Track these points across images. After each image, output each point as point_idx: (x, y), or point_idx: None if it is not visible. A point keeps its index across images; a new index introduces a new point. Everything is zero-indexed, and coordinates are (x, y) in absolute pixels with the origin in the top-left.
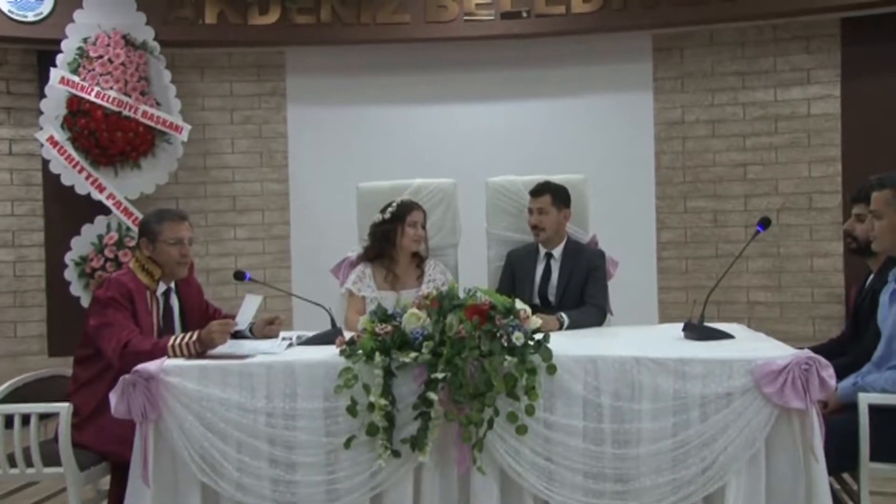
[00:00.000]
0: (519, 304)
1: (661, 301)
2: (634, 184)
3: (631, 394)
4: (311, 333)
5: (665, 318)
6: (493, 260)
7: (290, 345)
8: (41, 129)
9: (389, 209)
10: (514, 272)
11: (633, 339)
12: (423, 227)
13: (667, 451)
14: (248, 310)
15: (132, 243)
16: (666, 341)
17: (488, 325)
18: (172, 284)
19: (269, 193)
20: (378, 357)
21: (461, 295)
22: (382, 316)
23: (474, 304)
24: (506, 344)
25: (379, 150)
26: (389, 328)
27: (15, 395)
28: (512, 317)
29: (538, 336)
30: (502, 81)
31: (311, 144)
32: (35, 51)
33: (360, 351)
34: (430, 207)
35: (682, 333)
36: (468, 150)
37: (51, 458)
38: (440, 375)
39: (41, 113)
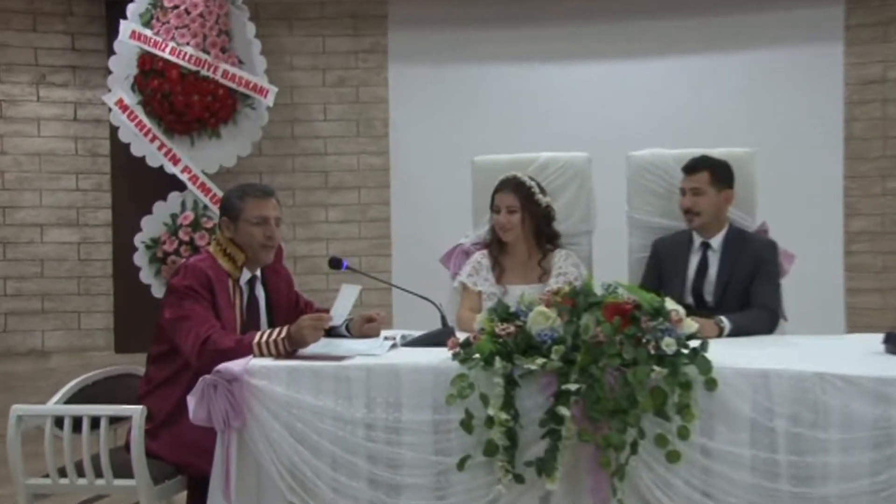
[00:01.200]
0: (670, 304)
1: (849, 306)
2: (816, 159)
3: (814, 419)
4: (417, 333)
5: (854, 326)
6: (635, 250)
7: (394, 345)
8: (109, 91)
9: None
10: (662, 265)
11: (814, 351)
12: (522, 211)
13: (863, 492)
14: (344, 303)
15: (210, 224)
16: (859, 355)
17: (632, 329)
18: (258, 272)
19: (367, 168)
20: (498, 363)
21: (598, 291)
22: (504, 314)
23: (615, 302)
24: (653, 351)
25: (497, 118)
26: (512, 329)
27: (82, 396)
28: (661, 319)
29: (694, 343)
30: (646, 33)
31: (417, 110)
32: (104, 0)
33: (477, 355)
34: (558, 187)
35: (881, 346)
36: (605, 117)
37: (122, 468)
38: (573, 387)
39: (109, 72)
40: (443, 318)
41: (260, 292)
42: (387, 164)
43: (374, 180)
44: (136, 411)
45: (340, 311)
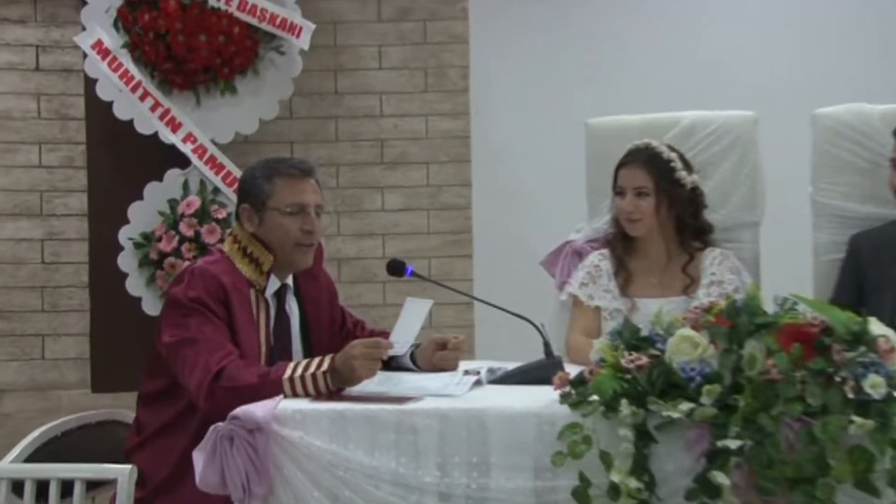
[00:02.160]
0: (876, 327)
1: None
2: None
3: None
4: (511, 365)
5: None
6: (823, 249)
7: (478, 383)
8: (84, 29)
9: None
10: (864, 271)
11: None
12: (658, 194)
13: None
14: (408, 324)
15: (223, 214)
16: None
17: (819, 362)
18: (290, 280)
19: (440, 135)
20: (626, 408)
21: (769, 308)
22: (632, 339)
23: (793, 323)
24: (852, 395)
25: (620, 64)
26: (645, 360)
27: (48, 451)
28: (863, 348)
29: None
30: None
31: (509, 54)
32: None
33: (596, 396)
34: (711, 160)
35: None
36: (776, 61)
37: None
38: (734, 444)
39: (84, 3)
40: (546, 345)
41: (292, 308)
42: (466, 129)
43: (450, 152)
44: (122, 473)
45: (404, 334)
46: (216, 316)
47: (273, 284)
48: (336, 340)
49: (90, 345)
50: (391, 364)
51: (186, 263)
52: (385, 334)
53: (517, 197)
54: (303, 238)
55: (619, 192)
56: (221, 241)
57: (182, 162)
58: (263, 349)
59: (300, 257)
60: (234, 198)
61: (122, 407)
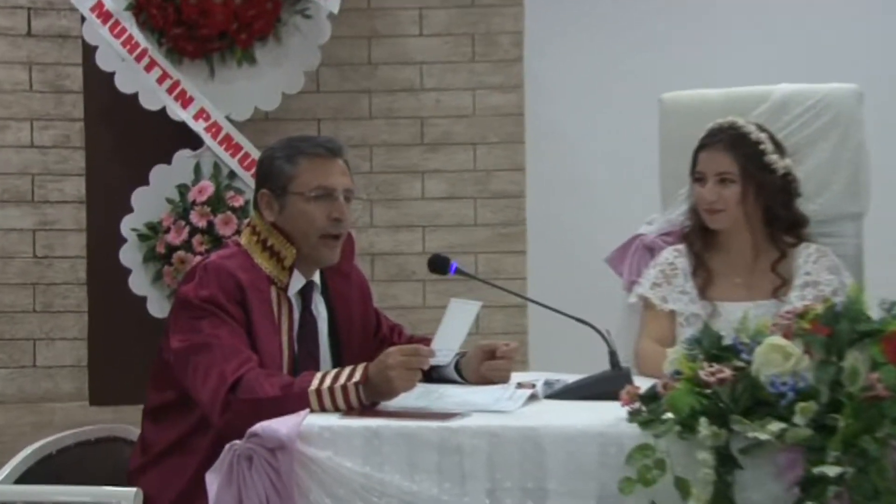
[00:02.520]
0: None
1: None
2: None
3: None
4: (571, 377)
5: None
6: None
7: (533, 397)
8: None
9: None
10: None
11: None
12: (744, 180)
13: None
14: (453, 329)
15: (240, 202)
16: None
17: None
18: (316, 277)
19: (489, 112)
20: (705, 428)
21: (874, 313)
22: (713, 348)
23: None
24: None
25: (699, 31)
26: (728, 373)
27: (42, 471)
28: None
29: None
30: None
31: (568, 20)
32: None
33: (670, 415)
34: (807, 141)
35: None
36: (882, 29)
37: None
38: (832, 471)
39: None
40: (612, 354)
41: (319, 309)
42: (520, 105)
43: (500, 132)
44: (125, 497)
45: (447, 341)
46: (232, 318)
47: (297, 282)
48: (369, 347)
49: (88, 351)
50: (432, 375)
51: (198, 258)
52: (426, 341)
53: (578, 183)
54: (330, 227)
55: (698, 178)
56: (238, 232)
57: (193, 142)
58: (286, 356)
59: (327, 250)
60: (252, 183)
61: (125, 422)
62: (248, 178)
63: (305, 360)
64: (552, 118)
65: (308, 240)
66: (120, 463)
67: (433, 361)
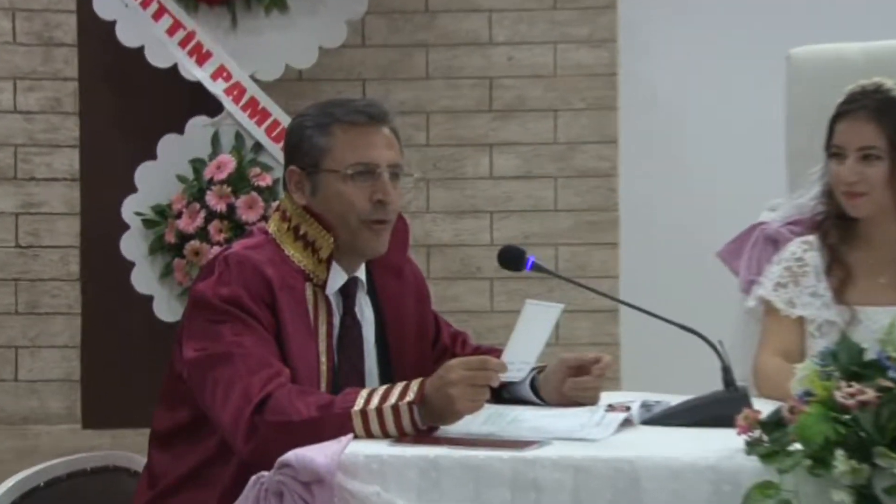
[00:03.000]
0: None
1: None
2: None
3: None
4: (674, 399)
5: None
6: None
7: (627, 422)
8: None
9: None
10: None
11: None
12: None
13: None
14: (529, 339)
15: (268, 180)
16: None
17: None
18: (360, 272)
19: (573, 71)
20: (843, 462)
21: None
22: (853, 363)
23: None
24: None
25: None
26: (871, 395)
27: None
28: None
29: None
30: None
31: None
32: None
33: (797, 446)
34: None
35: None
36: None
37: None
38: None
39: None
40: (725, 371)
41: (365, 311)
42: (612, 63)
43: (588, 96)
44: None
45: (522, 353)
46: (259, 322)
47: (337, 278)
48: (426, 359)
49: (81, 362)
50: (503, 395)
51: (216, 249)
52: (496, 352)
53: (684, 159)
54: (372, 211)
55: (835, 153)
56: (265, 218)
57: (211, 107)
58: (325, 369)
59: (371, 238)
60: (282, 157)
61: (127, 449)
62: (277, 152)
63: (348, 373)
64: (651, 79)
65: (348, 225)
66: (121, 498)
67: (504, 377)
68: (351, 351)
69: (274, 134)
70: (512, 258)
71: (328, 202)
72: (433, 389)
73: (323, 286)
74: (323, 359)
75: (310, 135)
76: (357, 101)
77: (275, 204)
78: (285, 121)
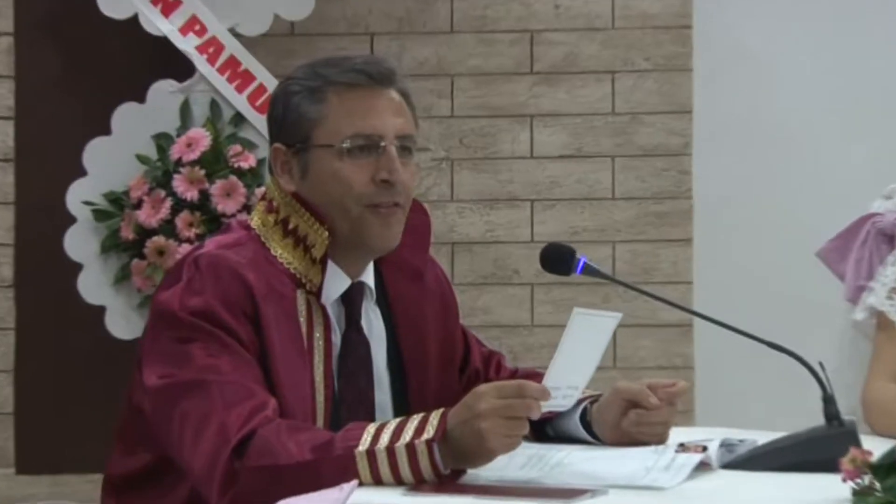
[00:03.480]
0: None
1: None
2: None
3: None
4: (761, 437)
5: None
6: None
7: (703, 465)
8: None
9: None
10: None
11: None
12: None
13: None
14: (577, 357)
15: (252, 161)
16: None
17: None
18: (369, 276)
19: (636, 23)
20: None
21: None
22: None
23: None
24: None
25: None
26: None
27: None
28: None
29: None
30: None
31: None
32: None
33: None
34: None
35: None
36: None
37: None
38: None
39: None
40: (827, 401)
41: (374, 325)
42: (685, 14)
43: (655, 54)
44: None
45: (569, 375)
46: (238, 340)
47: (337, 283)
48: (452, 387)
49: (14, 390)
50: (547, 431)
51: (186, 248)
52: (537, 377)
53: (774, 134)
54: (377, 193)
55: None
56: (247, 209)
57: (180, 69)
58: (322, 398)
59: (375, 228)
60: (266, 132)
61: (70, 499)
62: (262, 125)
63: (352, 404)
64: (734, 34)
65: (346, 214)
66: None
67: (547, 407)
68: (356, 375)
69: (259, 102)
70: (558, 259)
71: (322, 186)
72: (458, 423)
73: (318, 293)
74: (319, 386)
75: (297, 102)
76: (355, 59)
77: (259, 191)
78: (273, 86)
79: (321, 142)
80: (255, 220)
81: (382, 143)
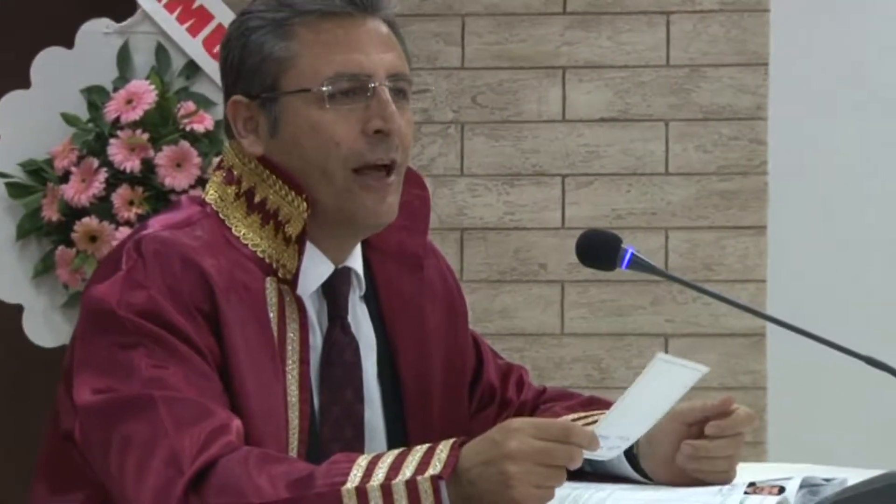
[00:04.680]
0: None
1: None
2: None
3: None
4: (852, 476)
5: None
6: None
7: None
8: None
9: None
10: None
11: None
12: None
13: None
14: (644, 407)
15: (208, 123)
16: None
17: None
18: (355, 261)
19: None
20: None
21: None
22: None
23: None
24: None
25: None
26: None
27: None
28: None
29: None
30: None
31: None
32: None
33: None
34: None
35: None
36: None
37: None
38: None
39: None
40: None
41: (362, 323)
42: None
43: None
44: None
45: (627, 426)
46: (192, 345)
47: (317, 268)
48: (460, 406)
49: None
50: (584, 467)
51: (126, 231)
52: (569, 398)
53: (874, 94)
54: (369, 149)
55: None
56: (203, 183)
57: (117, 5)
58: (297, 415)
59: (368, 199)
60: (220, 83)
61: None
62: (213, 71)
63: (336, 424)
64: None
65: (330, 179)
66: None
67: (592, 457)
68: (341, 386)
69: (217, 49)
70: (599, 249)
71: (298, 144)
72: (478, 460)
73: (293, 283)
74: (294, 400)
75: (259, 40)
76: None
77: (215, 160)
78: (222, 19)
79: (293, 87)
80: (210, 194)
81: (372, 84)
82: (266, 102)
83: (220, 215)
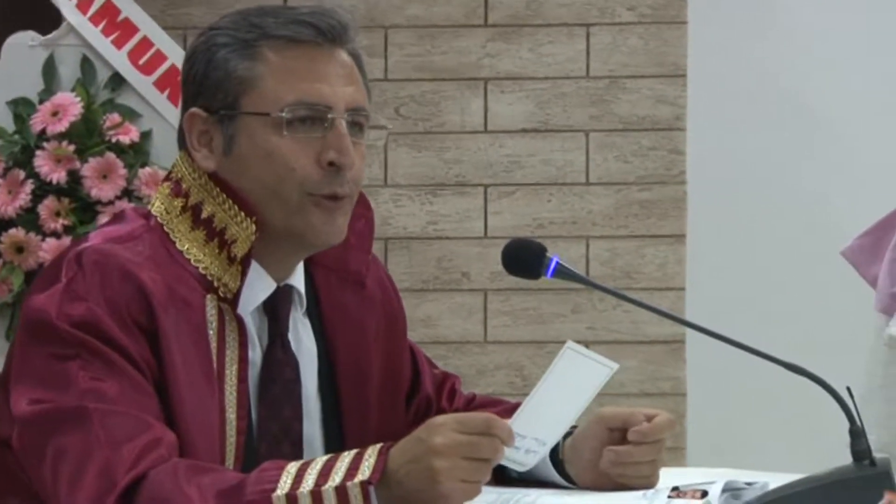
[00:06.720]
0: None
1: None
2: None
3: None
4: (773, 479)
5: None
6: None
7: None
8: None
9: None
10: None
11: None
12: None
13: None
14: (557, 404)
15: (134, 134)
16: None
17: None
18: (298, 279)
19: None
20: None
21: None
22: None
23: None
24: None
25: None
26: None
27: None
28: None
29: None
30: None
31: None
32: None
33: None
34: None
35: None
36: None
37: None
38: None
39: None
40: (855, 434)
41: (304, 341)
42: None
43: (641, 2)
44: None
45: (541, 425)
46: (129, 359)
47: (259, 287)
48: (398, 418)
49: None
50: (509, 471)
51: (53, 243)
52: (498, 405)
53: (794, 100)
54: (323, 181)
55: None
56: (128, 193)
57: (43, 17)
58: (233, 430)
59: (319, 223)
60: (159, 99)
61: None
62: (148, 89)
63: (273, 439)
64: None
65: (283, 203)
66: None
67: (504, 460)
68: (279, 403)
69: (143, 61)
70: (525, 259)
71: (251, 166)
72: (405, 460)
73: (234, 301)
74: (231, 416)
75: (224, 57)
76: (300, 8)
77: (144, 172)
78: (161, 40)
79: (253, 109)
80: (156, 206)
81: (330, 116)
82: (224, 119)
83: (165, 228)
